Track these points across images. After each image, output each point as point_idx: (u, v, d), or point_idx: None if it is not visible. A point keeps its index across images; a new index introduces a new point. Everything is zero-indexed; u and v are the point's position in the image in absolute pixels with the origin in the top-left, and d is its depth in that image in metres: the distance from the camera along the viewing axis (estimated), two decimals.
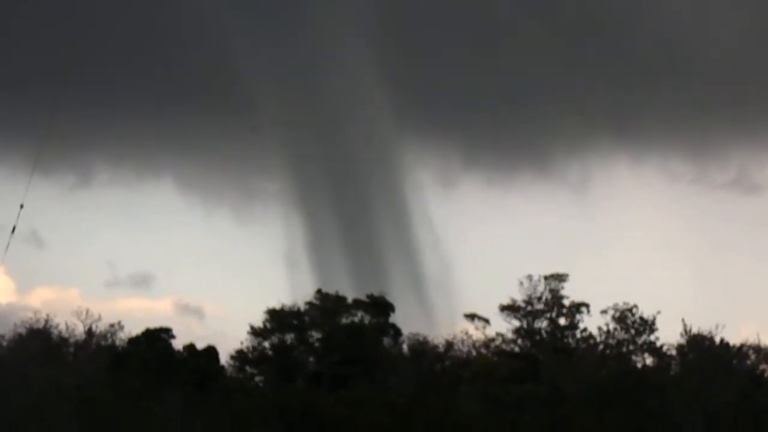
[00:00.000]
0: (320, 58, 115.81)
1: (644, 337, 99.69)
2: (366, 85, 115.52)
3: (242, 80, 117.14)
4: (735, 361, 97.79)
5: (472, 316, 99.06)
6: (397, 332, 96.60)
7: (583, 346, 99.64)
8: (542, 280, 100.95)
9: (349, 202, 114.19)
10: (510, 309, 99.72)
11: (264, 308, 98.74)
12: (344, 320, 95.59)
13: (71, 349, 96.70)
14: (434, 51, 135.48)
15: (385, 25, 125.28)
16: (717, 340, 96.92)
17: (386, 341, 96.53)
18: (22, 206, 55.01)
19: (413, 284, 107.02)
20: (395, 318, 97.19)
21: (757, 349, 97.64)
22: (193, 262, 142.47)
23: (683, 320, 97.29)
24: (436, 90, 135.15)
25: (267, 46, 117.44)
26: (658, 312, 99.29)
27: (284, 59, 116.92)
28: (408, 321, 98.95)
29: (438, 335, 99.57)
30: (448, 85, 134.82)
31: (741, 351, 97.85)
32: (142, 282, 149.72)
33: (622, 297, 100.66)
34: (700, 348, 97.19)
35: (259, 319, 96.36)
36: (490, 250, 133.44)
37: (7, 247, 49.03)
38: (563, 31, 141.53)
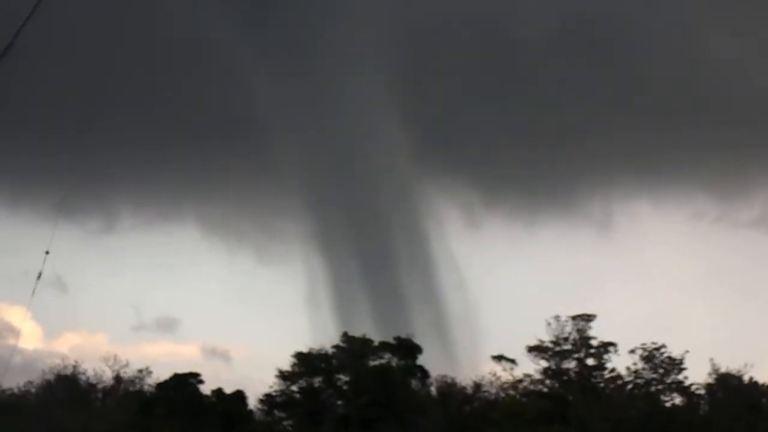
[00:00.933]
0: (342, 105, 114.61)
1: (672, 376, 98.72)
2: (388, 127, 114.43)
3: (264, 126, 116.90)
4: (764, 400, 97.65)
5: (499, 358, 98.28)
6: (425, 374, 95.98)
7: (612, 386, 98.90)
8: (569, 321, 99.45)
9: (370, 243, 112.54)
10: (538, 350, 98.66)
11: (289, 350, 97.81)
12: (371, 363, 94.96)
13: (99, 395, 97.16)
14: (455, 91, 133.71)
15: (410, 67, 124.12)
16: (746, 378, 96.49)
17: (414, 383, 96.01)
18: (47, 252, 54.34)
19: (438, 326, 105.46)
20: (423, 360, 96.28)
21: None
22: (217, 304, 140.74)
23: (711, 359, 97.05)
24: (457, 130, 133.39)
25: (287, 90, 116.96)
26: (687, 351, 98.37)
27: (305, 102, 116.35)
28: (434, 363, 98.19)
29: (465, 377, 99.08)
30: (470, 125, 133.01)
31: None
32: (167, 326, 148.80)
33: (650, 336, 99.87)
34: (729, 387, 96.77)
35: (286, 362, 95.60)
36: (515, 291, 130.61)
37: (33, 292, 48.42)
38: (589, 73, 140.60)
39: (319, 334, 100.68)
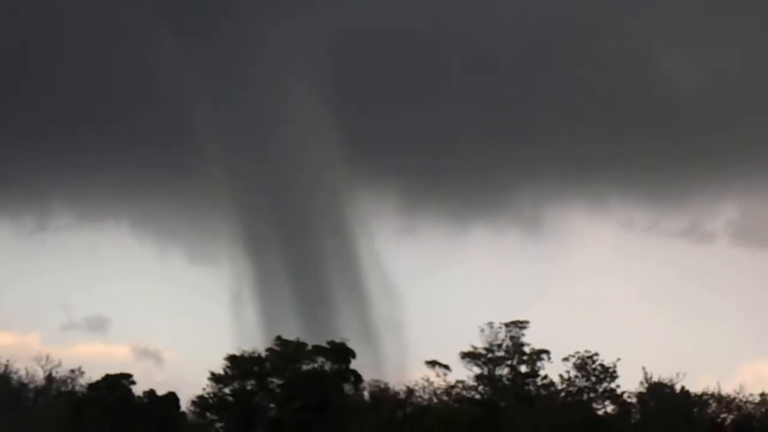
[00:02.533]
0: (271, 107, 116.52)
1: (605, 384, 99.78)
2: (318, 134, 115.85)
3: (193, 127, 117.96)
4: (695, 410, 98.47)
5: (432, 363, 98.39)
6: (358, 379, 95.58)
7: (545, 393, 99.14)
8: (503, 327, 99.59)
9: (299, 248, 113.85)
10: (471, 356, 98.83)
11: (222, 352, 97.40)
12: (305, 366, 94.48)
13: (31, 395, 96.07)
14: (388, 101, 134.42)
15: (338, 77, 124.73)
16: (677, 388, 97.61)
17: (347, 388, 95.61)
18: None
19: (368, 331, 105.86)
20: (356, 364, 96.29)
21: (718, 397, 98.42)
22: (149, 304, 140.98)
23: (643, 368, 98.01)
24: (387, 138, 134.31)
25: (219, 96, 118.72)
26: (618, 359, 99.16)
27: (234, 107, 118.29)
28: (366, 368, 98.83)
29: (398, 382, 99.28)
30: (399, 133, 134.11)
31: (701, 399, 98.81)
32: (98, 325, 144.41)
33: (583, 344, 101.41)
34: (661, 396, 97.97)
35: (218, 364, 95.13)
36: (447, 297, 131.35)
37: None
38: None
39: (245, 337, 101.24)
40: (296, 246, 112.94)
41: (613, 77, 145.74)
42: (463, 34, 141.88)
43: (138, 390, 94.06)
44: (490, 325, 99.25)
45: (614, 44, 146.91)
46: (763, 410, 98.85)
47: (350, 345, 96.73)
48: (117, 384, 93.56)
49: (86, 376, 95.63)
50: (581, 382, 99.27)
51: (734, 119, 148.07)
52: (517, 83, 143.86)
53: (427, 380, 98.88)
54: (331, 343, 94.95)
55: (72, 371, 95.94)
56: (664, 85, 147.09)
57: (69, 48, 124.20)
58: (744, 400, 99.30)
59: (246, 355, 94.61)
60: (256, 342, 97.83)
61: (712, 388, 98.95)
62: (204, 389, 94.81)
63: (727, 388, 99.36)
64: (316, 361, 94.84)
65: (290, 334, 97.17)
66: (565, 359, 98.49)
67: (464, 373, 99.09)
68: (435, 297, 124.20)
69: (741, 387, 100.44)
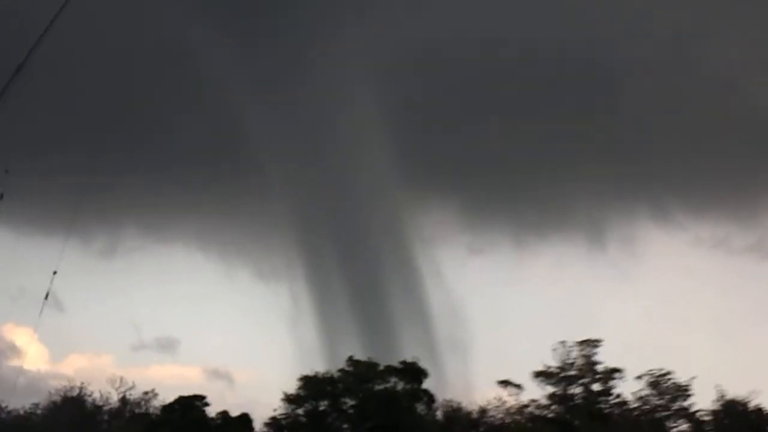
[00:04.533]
0: (331, 134, 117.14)
1: (678, 402, 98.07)
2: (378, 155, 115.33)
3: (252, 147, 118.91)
4: None
5: (505, 383, 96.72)
6: (431, 398, 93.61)
7: (618, 411, 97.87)
8: (575, 346, 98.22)
9: (360, 269, 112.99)
10: (544, 375, 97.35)
11: (290, 370, 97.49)
12: (377, 386, 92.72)
13: (105, 417, 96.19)
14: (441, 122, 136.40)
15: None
16: (751, 405, 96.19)
17: (420, 408, 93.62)
18: (55, 273, 53.99)
19: (435, 351, 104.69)
20: (428, 384, 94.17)
21: None
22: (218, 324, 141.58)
23: (717, 386, 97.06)
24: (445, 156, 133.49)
25: (279, 119, 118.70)
26: (693, 378, 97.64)
27: (296, 136, 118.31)
28: (439, 388, 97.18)
29: (471, 402, 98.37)
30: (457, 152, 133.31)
31: None
32: (168, 346, 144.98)
33: (656, 362, 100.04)
34: (735, 413, 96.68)
35: (290, 385, 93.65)
36: (516, 316, 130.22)
37: (41, 313, 47.81)
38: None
39: (307, 356, 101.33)
40: (358, 266, 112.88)
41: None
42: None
43: (211, 411, 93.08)
44: (563, 343, 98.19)
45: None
46: None
47: (424, 363, 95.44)
48: (191, 406, 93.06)
49: (159, 397, 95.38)
50: (655, 401, 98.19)
51: None
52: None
53: (500, 399, 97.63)
54: (403, 362, 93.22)
55: (145, 393, 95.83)
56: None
57: (137, 79, 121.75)
58: None
59: (319, 375, 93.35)
60: (318, 361, 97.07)
61: None
62: (276, 410, 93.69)
63: None
64: (388, 381, 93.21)
65: (350, 353, 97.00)
66: (639, 377, 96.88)
67: (537, 392, 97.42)
68: (504, 317, 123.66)
69: None
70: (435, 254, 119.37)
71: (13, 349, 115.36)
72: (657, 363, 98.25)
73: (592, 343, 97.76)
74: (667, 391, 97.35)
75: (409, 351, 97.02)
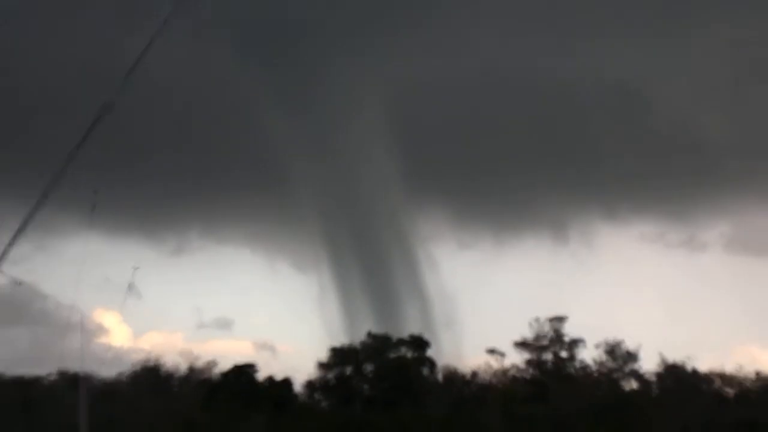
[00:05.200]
0: (350, 161, 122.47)
1: (629, 366, 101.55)
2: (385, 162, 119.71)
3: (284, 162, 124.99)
4: (704, 385, 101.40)
5: (491, 351, 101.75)
6: (433, 364, 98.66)
7: (581, 374, 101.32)
8: (547, 321, 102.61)
9: (371, 259, 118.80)
10: (522, 345, 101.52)
11: (321, 344, 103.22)
12: (391, 355, 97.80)
13: (176, 383, 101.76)
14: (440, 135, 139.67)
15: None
16: (688, 368, 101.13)
17: (425, 371, 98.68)
18: (136, 268, 61.51)
19: (436, 326, 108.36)
20: (430, 352, 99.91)
21: (721, 375, 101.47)
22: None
23: (660, 353, 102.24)
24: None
25: (305, 134, 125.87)
26: (640, 345, 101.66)
27: (316, 142, 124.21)
28: (439, 355, 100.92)
29: (464, 366, 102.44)
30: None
31: (708, 377, 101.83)
32: (225, 325, 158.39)
33: (611, 334, 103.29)
34: (675, 374, 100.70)
35: (322, 355, 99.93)
36: (500, 298, 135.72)
37: (124, 301, 52.87)
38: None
39: (333, 331, 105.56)
40: (371, 263, 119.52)
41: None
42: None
43: (259, 377, 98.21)
44: (537, 319, 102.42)
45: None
46: (758, 385, 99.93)
47: (429, 335, 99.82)
48: (243, 372, 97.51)
49: (218, 366, 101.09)
50: (610, 364, 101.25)
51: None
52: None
53: (487, 365, 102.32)
54: (411, 336, 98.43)
55: (207, 363, 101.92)
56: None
57: (201, 116, 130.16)
58: (742, 377, 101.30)
59: (344, 347, 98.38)
60: (341, 335, 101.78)
61: (715, 368, 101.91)
62: (311, 375, 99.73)
63: (728, 368, 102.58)
64: (399, 351, 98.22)
65: (366, 329, 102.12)
66: (597, 346, 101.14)
67: (517, 359, 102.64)
68: (487, 297, 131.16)
69: (740, 366, 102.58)
70: (432, 249, 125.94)
71: (101, 329, 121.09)
72: (611, 334, 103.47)
73: (560, 319, 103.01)
74: (620, 357, 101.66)
75: (413, 326, 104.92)
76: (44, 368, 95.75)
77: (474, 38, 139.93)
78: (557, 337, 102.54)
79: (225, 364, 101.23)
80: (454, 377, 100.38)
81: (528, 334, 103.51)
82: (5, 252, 17.28)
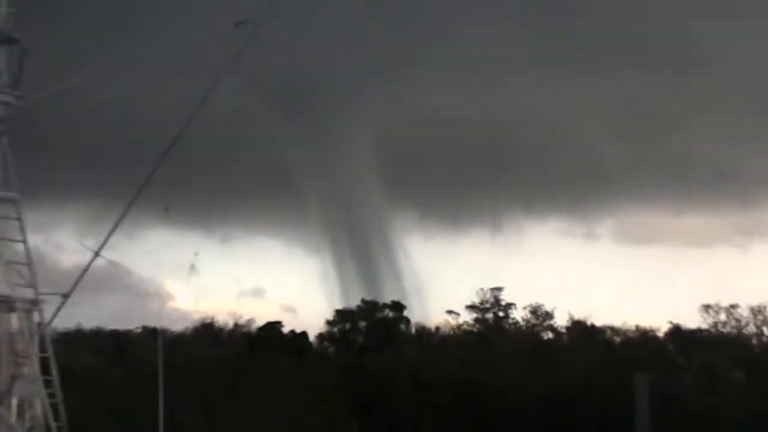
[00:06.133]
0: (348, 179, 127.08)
1: (548, 322, 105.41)
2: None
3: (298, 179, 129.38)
4: (600, 336, 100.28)
5: (449, 312, 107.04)
6: (408, 321, 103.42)
7: (513, 328, 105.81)
8: (489, 291, 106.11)
9: (362, 248, 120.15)
10: (472, 307, 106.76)
11: (328, 307, 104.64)
12: (378, 315, 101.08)
13: (225, 335, 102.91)
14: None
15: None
16: (588, 323, 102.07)
17: (402, 327, 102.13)
18: (196, 252, 62.09)
19: (409, 294, 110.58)
20: (406, 313, 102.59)
21: (611, 328, 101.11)
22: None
23: (569, 312, 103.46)
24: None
25: (312, 156, 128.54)
26: (555, 308, 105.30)
27: (323, 167, 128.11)
28: (412, 315, 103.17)
29: (430, 323, 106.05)
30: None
31: (603, 329, 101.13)
32: (258, 293, 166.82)
33: (534, 299, 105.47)
34: (579, 327, 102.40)
35: (330, 315, 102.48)
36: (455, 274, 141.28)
37: (188, 275, 56.46)
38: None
39: (333, 298, 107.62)
40: (361, 249, 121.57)
41: None
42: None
43: (285, 331, 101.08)
44: (482, 289, 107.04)
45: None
46: (637, 335, 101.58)
47: (405, 300, 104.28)
48: (273, 328, 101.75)
49: (255, 323, 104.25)
50: (533, 321, 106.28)
51: None
52: None
53: (447, 321, 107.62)
54: (392, 301, 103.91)
55: (247, 320, 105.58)
56: None
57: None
58: (626, 329, 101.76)
59: (345, 309, 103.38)
60: (341, 301, 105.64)
61: (607, 323, 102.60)
62: (322, 330, 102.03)
63: (616, 323, 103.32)
64: (383, 312, 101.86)
65: (359, 296, 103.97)
66: (524, 308, 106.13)
67: (468, 317, 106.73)
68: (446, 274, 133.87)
69: (623, 322, 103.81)
70: (405, 239, 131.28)
71: (172, 296, 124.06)
72: (535, 299, 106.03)
73: (498, 289, 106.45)
74: (540, 316, 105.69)
75: (392, 294, 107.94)
76: (132, 324, 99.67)
77: (438, 94, 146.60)
78: (496, 302, 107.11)
79: (260, 322, 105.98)
80: (423, 331, 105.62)
81: (475, 299, 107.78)
82: (105, 241, 18.02)
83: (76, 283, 18.32)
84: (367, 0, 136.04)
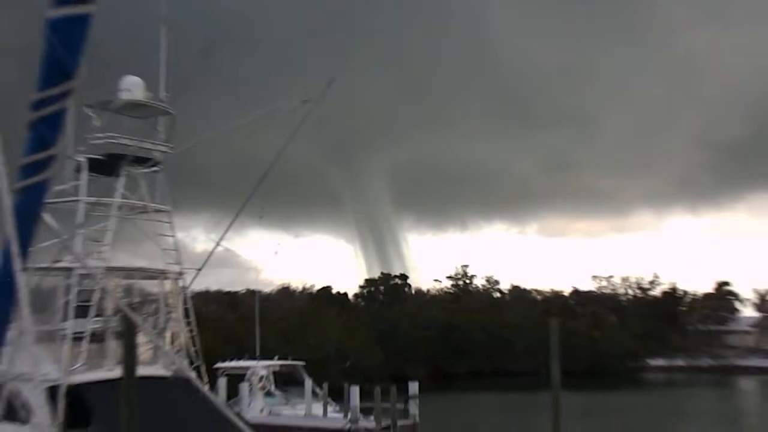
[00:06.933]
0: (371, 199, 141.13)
1: (496, 287, 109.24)
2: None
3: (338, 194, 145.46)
4: (529, 295, 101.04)
5: (436, 280, 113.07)
6: (410, 286, 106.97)
7: (475, 290, 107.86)
8: (460, 267, 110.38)
9: (379, 239, 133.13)
10: (449, 278, 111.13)
11: (359, 276, 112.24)
12: (391, 282, 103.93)
13: (297, 296, 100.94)
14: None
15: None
16: (522, 287, 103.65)
17: (406, 289, 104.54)
18: (279, 243, 64.21)
19: (408, 269, 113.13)
20: (409, 281, 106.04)
21: (537, 290, 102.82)
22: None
23: (510, 282, 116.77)
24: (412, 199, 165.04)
25: (347, 185, 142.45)
26: (501, 279, 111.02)
27: (354, 189, 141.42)
28: (412, 283, 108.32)
29: (424, 287, 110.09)
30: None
31: (531, 291, 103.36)
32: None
33: (488, 273, 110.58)
34: (517, 291, 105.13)
35: (361, 282, 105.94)
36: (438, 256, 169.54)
37: (273, 259, 61.22)
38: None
39: (361, 270, 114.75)
40: (378, 240, 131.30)
41: None
42: None
43: (333, 291, 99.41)
44: (456, 266, 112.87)
45: None
46: (553, 294, 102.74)
47: (408, 273, 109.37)
48: (327, 289, 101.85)
49: (316, 287, 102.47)
50: (488, 287, 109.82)
51: None
52: None
53: (435, 287, 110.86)
54: (401, 273, 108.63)
55: (311, 285, 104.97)
56: None
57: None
58: (547, 291, 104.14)
59: (370, 279, 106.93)
60: (367, 273, 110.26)
61: (537, 288, 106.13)
62: (356, 291, 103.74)
63: (541, 288, 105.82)
64: (394, 280, 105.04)
65: (378, 270, 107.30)
66: (482, 278, 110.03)
67: (448, 284, 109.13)
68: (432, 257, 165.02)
69: (549, 288, 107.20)
70: (406, 235, 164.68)
71: (262, 270, 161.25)
72: (489, 273, 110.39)
73: (466, 266, 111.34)
74: (492, 283, 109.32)
75: (399, 269, 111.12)
76: (239, 287, 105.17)
77: (436, 141, 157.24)
78: (465, 274, 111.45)
79: (318, 286, 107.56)
80: (419, 293, 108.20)
81: (452, 273, 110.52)
82: (222, 235, 19.78)
83: (205, 262, 19.98)
84: None
